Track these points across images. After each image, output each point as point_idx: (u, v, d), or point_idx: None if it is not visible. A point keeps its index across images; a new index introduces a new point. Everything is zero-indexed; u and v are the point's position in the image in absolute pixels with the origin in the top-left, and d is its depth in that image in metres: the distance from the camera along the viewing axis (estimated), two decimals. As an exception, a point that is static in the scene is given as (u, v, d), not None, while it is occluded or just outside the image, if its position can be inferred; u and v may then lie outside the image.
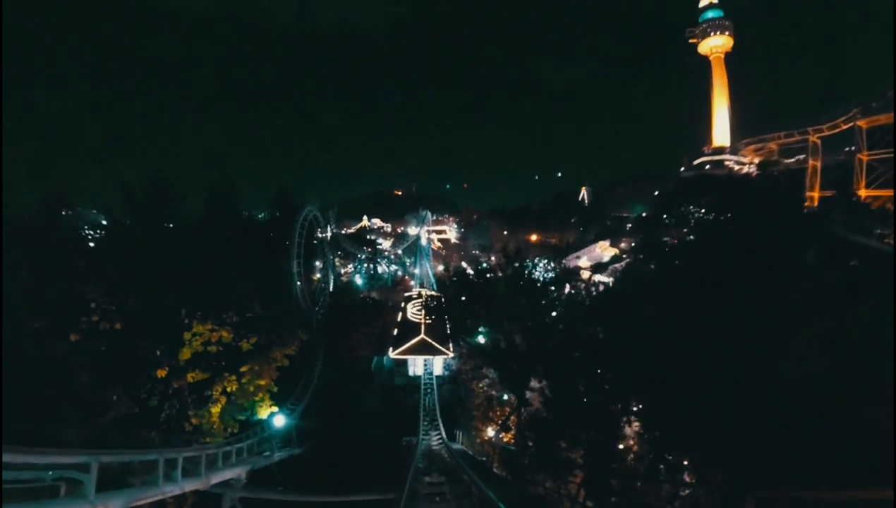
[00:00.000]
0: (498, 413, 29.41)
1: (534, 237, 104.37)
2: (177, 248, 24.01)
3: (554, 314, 28.45)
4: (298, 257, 48.25)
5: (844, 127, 64.41)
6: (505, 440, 27.75)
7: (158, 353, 20.51)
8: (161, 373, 20.22)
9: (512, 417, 27.80)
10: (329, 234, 73.24)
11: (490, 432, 29.62)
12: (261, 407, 30.01)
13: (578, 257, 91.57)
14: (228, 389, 23.78)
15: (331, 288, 63.96)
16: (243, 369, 24.54)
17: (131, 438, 19.47)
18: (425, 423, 33.66)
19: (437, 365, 42.47)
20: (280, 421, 31.07)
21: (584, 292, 30.18)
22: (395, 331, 46.32)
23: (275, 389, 30.04)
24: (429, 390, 39.14)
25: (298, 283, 47.98)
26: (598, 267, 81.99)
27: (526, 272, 32.26)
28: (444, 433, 31.34)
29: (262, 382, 26.41)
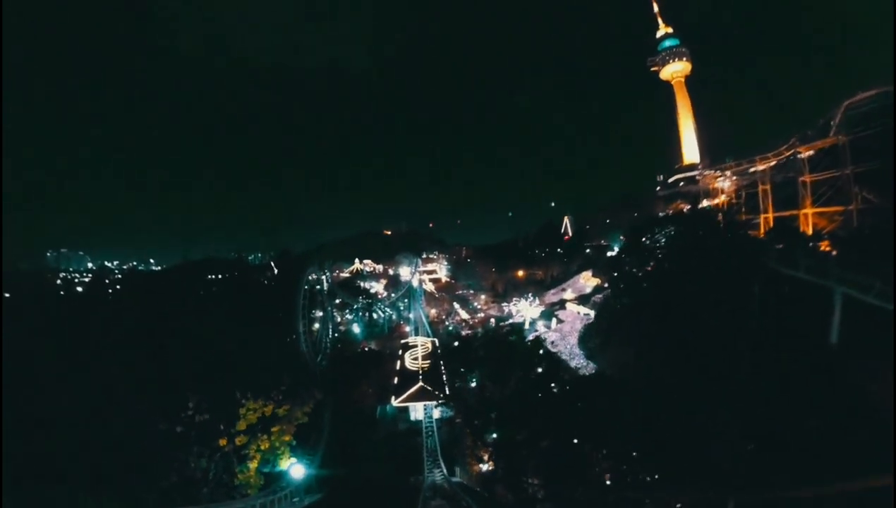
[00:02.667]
0: (482, 452, 34.22)
1: (520, 273, 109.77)
2: (216, 329, 29.02)
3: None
4: (303, 318, 52.94)
5: (787, 154, 71.57)
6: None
7: (221, 427, 25.20)
8: (222, 442, 24.87)
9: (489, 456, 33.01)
10: (326, 285, 77.95)
11: (481, 466, 34.31)
12: (282, 459, 34.28)
13: (564, 289, 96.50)
14: (262, 447, 28.30)
15: (330, 337, 68.19)
16: (274, 429, 29.16)
17: (187, 495, 23.78)
18: (429, 462, 37.94)
19: (436, 409, 46.66)
20: (299, 470, 35.14)
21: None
22: (396, 380, 50.64)
23: (294, 443, 34.41)
24: (430, 433, 43.29)
25: (304, 341, 52.50)
26: (582, 299, 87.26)
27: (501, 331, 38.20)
28: (444, 469, 35.79)
29: (287, 438, 30.92)
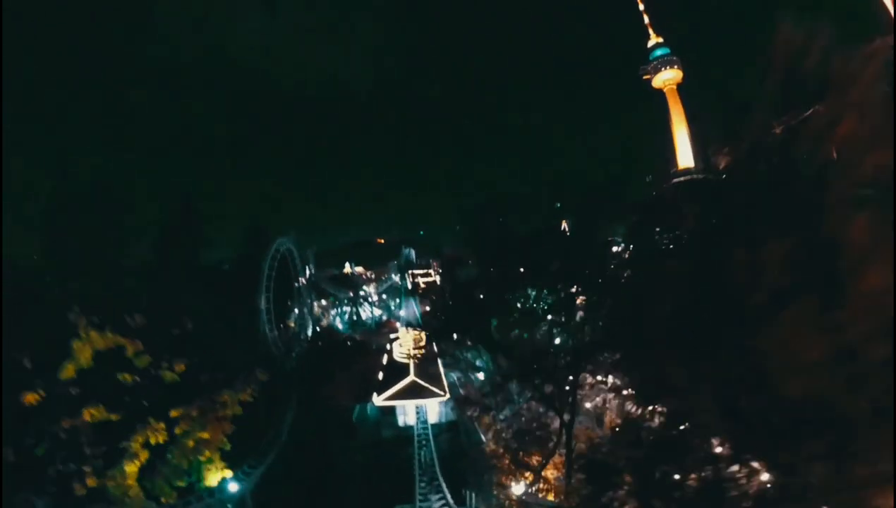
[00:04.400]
0: (532, 457, 22.51)
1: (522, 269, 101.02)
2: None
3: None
4: (268, 292, 41.97)
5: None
6: (550, 496, 20.43)
7: (29, 366, 13.19)
8: (30, 399, 12.88)
9: (555, 457, 21.01)
10: (308, 275, 67.63)
11: (520, 487, 22.15)
12: (209, 469, 23.10)
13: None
14: (153, 441, 17.01)
15: (308, 334, 57.55)
16: (174, 413, 17.85)
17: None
18: (422, 484, 26.84)
19: (432, 411, 36.01)
20: (233, 488, 24.13)
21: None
22: (381, 375, 39.76)
23: (227, 446, 23.34)
24: (424, 441, 32.53)
25: (267, 322, 41.48)
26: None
27: None
28: (448, 495, 24.38)
29: (206, 435, 19.65)
